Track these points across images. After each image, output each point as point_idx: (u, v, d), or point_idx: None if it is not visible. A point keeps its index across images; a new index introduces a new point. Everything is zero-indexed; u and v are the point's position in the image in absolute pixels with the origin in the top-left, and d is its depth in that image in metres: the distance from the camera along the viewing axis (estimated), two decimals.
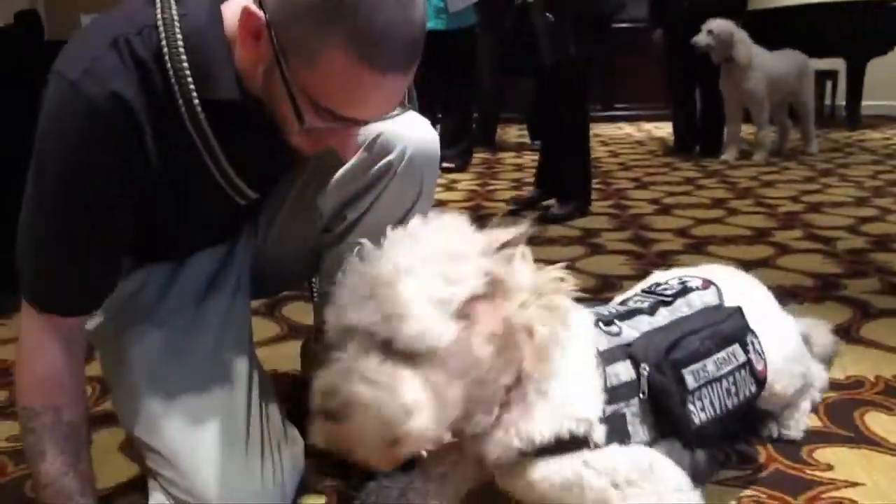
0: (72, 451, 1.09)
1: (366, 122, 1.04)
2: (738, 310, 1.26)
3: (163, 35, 1.01)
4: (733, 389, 1.17)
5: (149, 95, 1.02)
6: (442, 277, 0.97)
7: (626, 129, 7.87)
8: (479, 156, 5.73)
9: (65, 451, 1.08)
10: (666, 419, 1.11)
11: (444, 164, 4.95)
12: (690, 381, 1.12)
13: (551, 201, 3.54)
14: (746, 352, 1.21)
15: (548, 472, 1.05)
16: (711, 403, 1.13)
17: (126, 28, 1.02)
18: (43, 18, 3.27)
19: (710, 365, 1.15)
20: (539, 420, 1.05)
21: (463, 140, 5.27)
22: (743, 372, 1.19)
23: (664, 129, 6.96)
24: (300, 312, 2.16)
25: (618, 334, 1.17)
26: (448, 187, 4.47)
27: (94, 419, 1.52)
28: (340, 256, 1.29)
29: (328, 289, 1.33)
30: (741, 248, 2.83)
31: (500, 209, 3.76)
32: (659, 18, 5.66)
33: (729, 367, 1.17)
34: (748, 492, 1.23)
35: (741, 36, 4.92)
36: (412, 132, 1.24)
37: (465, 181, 4.73)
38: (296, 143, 1.07)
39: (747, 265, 2.53)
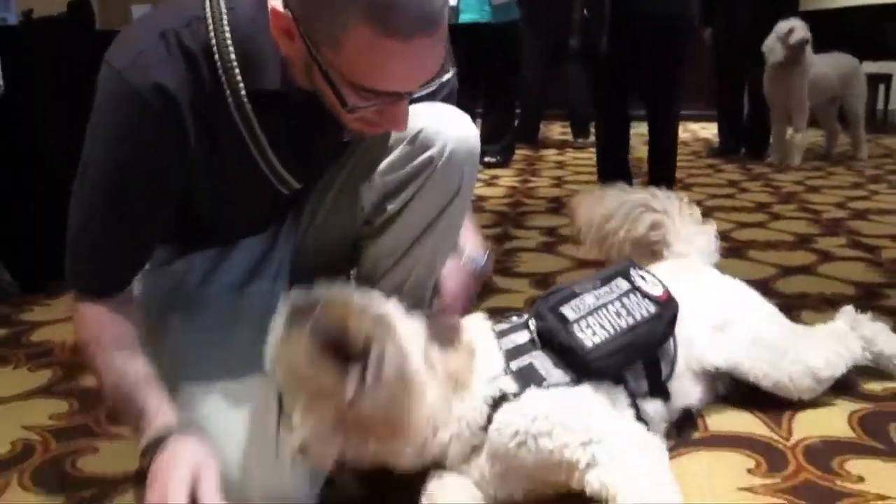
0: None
1: (410, 94, 1.04)
2: (628, 260, 1.41)
3: (210, 27, 1.04)
4: (623, 312, 1.27)
5: (195, 86, 1.05)
6: None
7: None
8: (520, 152, 5.72)
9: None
10: (567, 355, 1.21)
11: (486, 159, 4.95)
12: (570, 314, 1.24)
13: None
14: (631, 281, 1.33)
15: (491, 436, 1.15)
16: (602, 326, 1.24)
17: (175, 20, 1.05)
18: (95, 8, 3.34)
19: (588, 298, 1.28)
20: (469, 402, 1.16)
21: (505, 135, 5.26)
22: (633, 296, 1.31)
23: (709, 130, 6.88)
24: None
25: (521, 317, 1.30)
26: (489, 183, 4.48)
27: None
28: (378, 255, 1.32)
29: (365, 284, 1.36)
30: (782, 253, 2.79)
31: (539, 205, 3.76)
32: (708, 17, 5.59)
33: (612, 296, 1.29)
34: (776, 500, 1.22)
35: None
36: (453, 129, 1.25)
37: (506, 177, 4.73)
38: (356, 129, 1.10)
39: (788, 271, 2.51)
